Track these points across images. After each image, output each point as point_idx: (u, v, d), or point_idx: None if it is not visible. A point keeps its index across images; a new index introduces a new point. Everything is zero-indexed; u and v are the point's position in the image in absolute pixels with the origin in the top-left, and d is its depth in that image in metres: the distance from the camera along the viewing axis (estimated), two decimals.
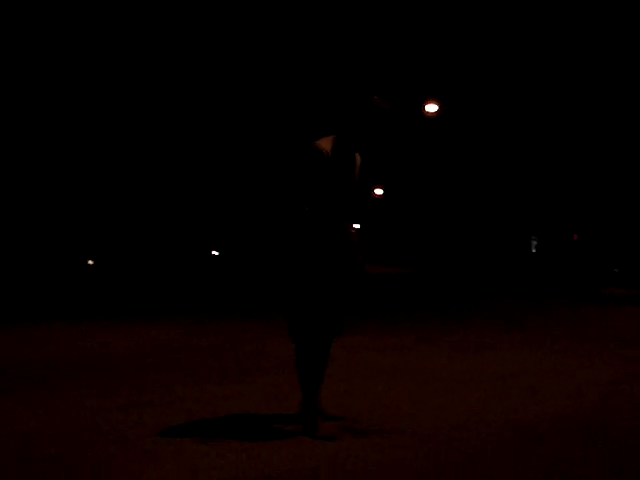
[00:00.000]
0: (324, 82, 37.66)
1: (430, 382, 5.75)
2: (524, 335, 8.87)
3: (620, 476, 3.39)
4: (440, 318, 11.38)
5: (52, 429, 4.44)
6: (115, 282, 28.56)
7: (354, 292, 4.23)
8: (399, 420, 4.43)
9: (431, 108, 32.11)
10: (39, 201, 41.90)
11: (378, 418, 4.46)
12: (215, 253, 54.30)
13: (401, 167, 37.65)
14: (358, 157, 4.37)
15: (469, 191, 38.57)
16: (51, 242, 43.29)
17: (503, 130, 36.46)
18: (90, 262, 48.72)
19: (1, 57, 36.52)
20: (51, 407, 5.08)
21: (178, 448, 3.98)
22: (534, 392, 5.30)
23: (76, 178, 42.96)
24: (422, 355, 7.16)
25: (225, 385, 5.79)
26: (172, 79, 41.43)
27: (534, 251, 40.51)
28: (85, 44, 39.44)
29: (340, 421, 4.39)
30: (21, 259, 39.86)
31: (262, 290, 21.03)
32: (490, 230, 39.25)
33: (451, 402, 4.97)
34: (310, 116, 37.53)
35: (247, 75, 40.38)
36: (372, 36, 36.87)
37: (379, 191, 45.09)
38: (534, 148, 35.92)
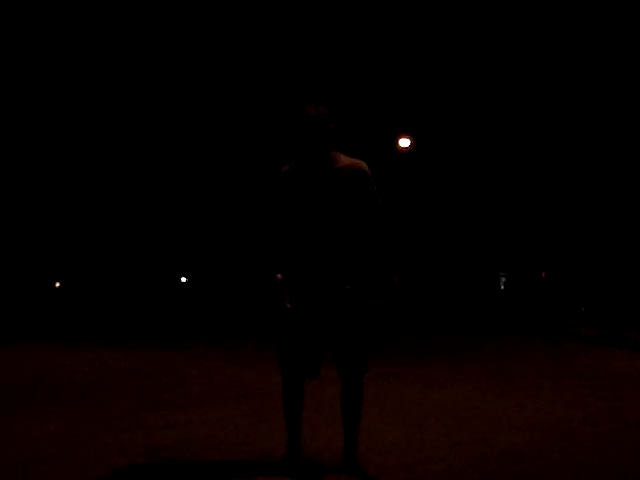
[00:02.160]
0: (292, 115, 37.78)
1: (389, 416, 5.75)
2: (487, 370, 8.91)
3: None
4: (403, 352, 11.39)
5: (11, 455, 4.38)
6: (81, 305, 28.29)
7: (347, 327, 3.99)
8: (365, 453, 4.42)
9: (404, 143, 32.36)
10: (8, 222, 41.47)
11: (330, 455, 4.39)
12: (183, 280, 54.01)
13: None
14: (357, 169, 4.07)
15: (438, 226, 38.79)
16: (20, 264, 42.80)
17: (475, 166, 36.79)
18: (57, 284, 48.24)
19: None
20: (8, 434, 5.01)
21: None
22: (488, 428, 5.32)
23: (45, 198, 42.60)
24: (384, 389, 7.15)
25: (191, 411, 5.76)
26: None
27: (502, 288, 40.75)
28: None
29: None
30: None
31: (229, 316, 20.93)
32: (458, 265, 39.44)
33: (406, 438, 4.96)
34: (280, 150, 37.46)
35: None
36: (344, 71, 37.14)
37: None
38: (505, 185, 36.25)
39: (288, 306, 3.98)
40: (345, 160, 4.06)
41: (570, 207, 33.38)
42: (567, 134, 32.61)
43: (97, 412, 5.76)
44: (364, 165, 4.07)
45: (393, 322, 15.60)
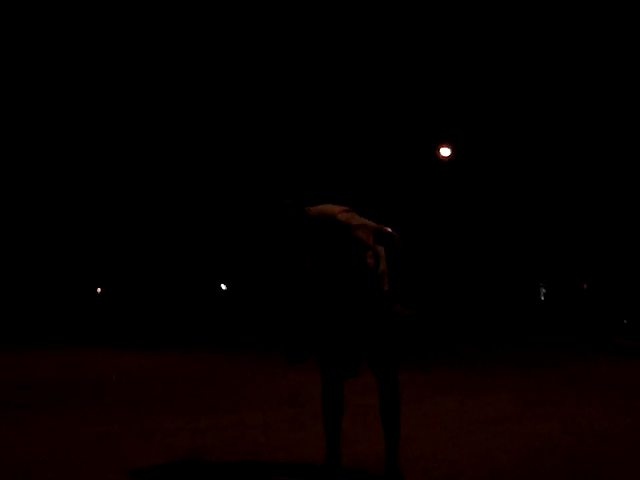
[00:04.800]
0: (335, 128, 37.87)
1: (426, 424, 5.79)
2: (526, 381, 8.88)
3: None
4: (441, 362, 11.39)
5: (51, 455, 4.50)
6: (123, 311, 28.62)
7: (375, 333, 4.18)
8: (401, 462, 4.47)
9: (445, 152, 32.29)
10: (54, 229, 42.06)
11: (370, 462, 4.46)
12: (223, 287, 54.29)
13: (411, 209, 37.79)
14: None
15: (479, 237, 38.57)
16: (64, 269, 43.42)
17: (516, 176, 36.57)
18: (99, 290, 48.85)
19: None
20: (50, 433, 5.14)
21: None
22: (524, 439, 5.33)
23: (89, 207, 43.14)
24: (422, 397, 7.19)
25: (234, 415, 5.86)
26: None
27: (542, 299, 40.39)
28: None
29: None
30: (34, 285, 39.98)
31: (267, 324, 21.02)
32: (499, 276, 39.16)
33: (443, 447, 5.01)
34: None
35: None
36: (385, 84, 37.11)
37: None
38: (547, 196, 35.98)
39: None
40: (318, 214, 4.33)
41: (613, 218, 33.03)
42: (611, 147, 32.31)
43: (141, 414, 5.88)
44: (333, 213, 4.29)
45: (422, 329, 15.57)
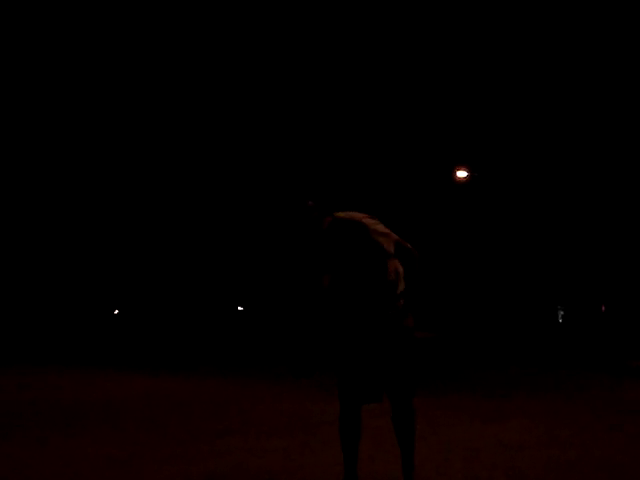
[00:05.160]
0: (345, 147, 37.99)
1: (443, 448, 5.76)
2: (544, 406, 8.81)
3: None
4: (459, 385, 11.33)
5: (60, 477, 4.51)
6: (139, 332, 28.68)
7: (395, 352, 4.20)
8: None
9: (461, 174, 32.32)
10: (73, 251, 42.28)
11: None
12: (240, 308, 54.35)
13: (428, 230, 37.76)
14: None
15: (496, 259, 38.47)
16: (81, 291, 43.63)
17: (532, 198, 36.50)
18: (116, 312, 49.03)
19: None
20: (59, 453, 5.15)
21: None
22: (542, 465, 5.29)
23: (108, 230, 43.37)
24: (438, 420, 7.15)
25: (247, 439, 5.85)
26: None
27: (560, 321, 40.15)
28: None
29: None
30: (52, 307, 40.20)
31: (282, 346, 21.01)
32: (517, 299, 38.99)
33: (459, 471, 4.98)
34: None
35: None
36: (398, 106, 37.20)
37: None
38: (564, 218, 35.88)
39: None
40: (338, 219, 4.41)
41: (631, 241, 32.86)
42: (632, 173, 32.24)
43: (154, 437, 5.88)
44: (353, 218, 4.38)
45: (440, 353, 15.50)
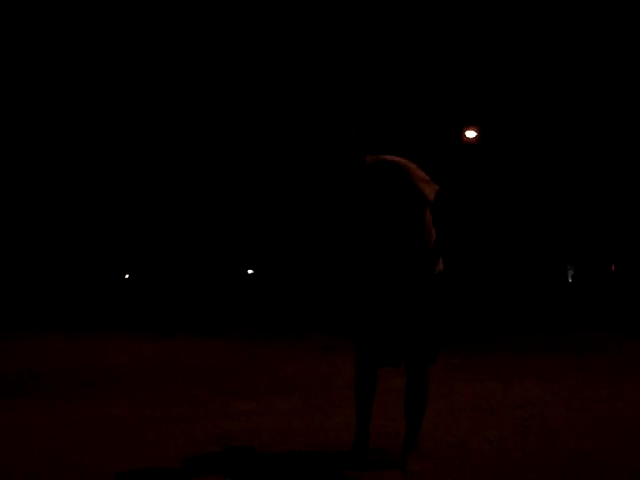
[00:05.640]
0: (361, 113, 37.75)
1: (453, 408, 5.71)
2: (556, 364, 8.75)
3: None
4: (469, 345, 11.29)
5: (71, 438, 4.48)
6: (149, 296, 28.76)
7: (421, 319, 4.03)
8: (427, 445, 4.40)
9: (470, 134, 32.08)
10: (85, 217, 42.41)
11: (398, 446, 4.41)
12: (250, 271, 54.46)
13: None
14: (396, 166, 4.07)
15: (505, 219, 38.32)
16: (93, 256, 43.81)
17: (542, 158, 36.24)
18: (126, 276, 49.23)
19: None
20: (66, 418, 5.12)
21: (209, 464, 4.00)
22: (556, 423, 5.23)
23: (114, 195, 43.39)
24: (449, 380, 7.10)
25: (258, 401, 5.81)
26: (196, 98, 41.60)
27: (570, 281, 40.07)
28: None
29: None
30: (61, 272, 40.38)
31: (294, 310, 21.02)
32: (526, 259, 38.91)
33: (470, 430, 4.93)
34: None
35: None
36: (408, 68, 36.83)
37: None
38: (574, 177, 35.64)
39: (359, 292, 4.08)
40: (378, 159, 4.10)
41: (638, 200, 32.63)
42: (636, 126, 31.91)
43: (162, 399, 5.85)
44: (394, 159, 4.07)
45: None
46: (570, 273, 40.38)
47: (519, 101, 35.88)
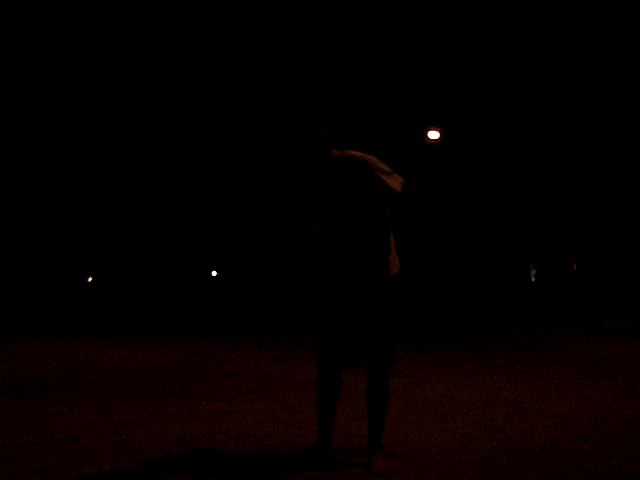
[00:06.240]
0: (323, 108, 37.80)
1: (415, 407, 5.75)
2: (516, 362, 8.86)
3: None
4: (432, 344, 11.37)
5: (49, 442, 4.44)
6: (113, 300, 28.55)
7: (377, 319, 4.00)
8: (391, 444, 4.43)
9: (433, 135, 32.26)
10: (40, 217, 41.89)
11: (361, 447, 4.43)
12: (214, 273, 54.26)
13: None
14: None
15: (469, 219, 38.61)
16: (53, 259, 43.28)
17: (504, 158, 36.56)
18: (89, 279, 48.73)
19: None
20: (44, 421, 5.07)
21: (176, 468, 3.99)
22: (517, 418, 5.29)
23: (76, 194, 42.94)
24: (411, 379, 7.15)
25: (222, 403, 5.80)
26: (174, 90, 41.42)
27: (533, 280, 40.48)
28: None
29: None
30: (22, 275, 39.86)
31: (258, 310, 21.01)
32: (489, 258, 39.23)
33: (432, 429, 4.97)
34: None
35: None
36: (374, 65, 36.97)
37: None
38: (536, 177, 35.99)
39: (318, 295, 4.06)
40: (343, 154, 4.03)
41: (602, 198, 33.07)
42: (600, 128, 32.32)
43: (127, 403, 5.81)
44: (357, 155, 4.00)
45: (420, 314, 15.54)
46: (533, 272, 40.77)
47: (482, 102, 36.17)
